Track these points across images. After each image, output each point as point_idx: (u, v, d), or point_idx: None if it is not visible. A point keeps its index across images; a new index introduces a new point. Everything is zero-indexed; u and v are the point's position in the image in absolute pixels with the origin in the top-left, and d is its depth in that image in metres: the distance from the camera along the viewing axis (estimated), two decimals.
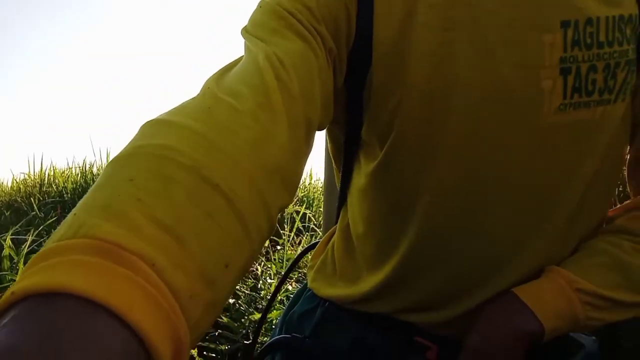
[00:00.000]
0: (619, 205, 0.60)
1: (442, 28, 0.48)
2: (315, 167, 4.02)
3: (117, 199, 0.26)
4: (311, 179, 3.96)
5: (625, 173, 0.60)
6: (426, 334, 0.57)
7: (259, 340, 1.61)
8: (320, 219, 3.27)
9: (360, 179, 0.59)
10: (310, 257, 0.72)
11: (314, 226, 3.03)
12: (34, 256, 0.24)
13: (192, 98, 0.38)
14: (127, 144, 0.32)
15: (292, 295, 2.03)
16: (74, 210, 0.27)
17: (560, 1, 0.48)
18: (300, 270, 2.32)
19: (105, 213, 0.25)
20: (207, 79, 0.41)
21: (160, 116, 0.34)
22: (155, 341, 0.22)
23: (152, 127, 0.33)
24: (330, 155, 0.65)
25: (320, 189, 3.79)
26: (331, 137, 0.63)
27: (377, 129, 0.53)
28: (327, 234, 0.72)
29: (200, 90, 0.39)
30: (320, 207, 3.44)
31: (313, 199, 3.44)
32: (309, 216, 3.12)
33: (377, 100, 0.51)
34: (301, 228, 2.96)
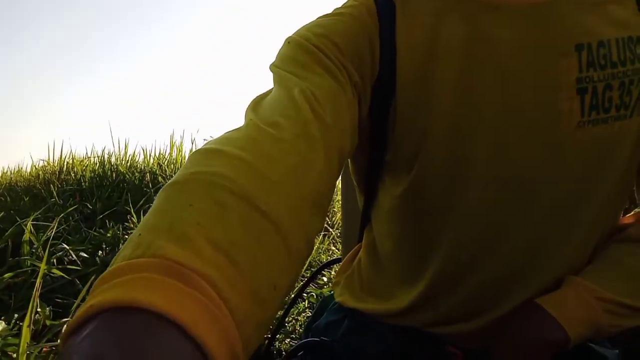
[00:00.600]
0: (631, 213, 0.62)
1: (462, 58, 0.50)
2: None
3: (179, 222, 0.29)
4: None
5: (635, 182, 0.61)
6: (454, 344, 0.59)
7: (267, 338, 1.60)
8: (333, 218, 3.27)
9: (386, 199, 0.60)
10: (335, 272, 0.74)
11: (327, 226, 3.04)
12: (104, 274, 0.26)
13: (237, 129, 0.40)
14: (180, 170, 0.35)
15: (304, 295, 2.01)
16: (137, 231, 0.29)
17: (573, 27, 0.50)
18: (314, 270, 2.32)
19: (169, 235, 0.28)
20: (246, 110, 0.44)
21: (210, 145, 0.37)
22: (218, 355, 0.24)
23: (203, 155, 0.36)
24: (352, 176, 0.66)
25: (335, 188, 3.78)
26: (353, 162, 0.64)
27: (403, 156, 0.55)
28: (351, 252, 0.74)
29: (244, 121, 0.42)
30: (332, 207, 3.44)
31: None
32: None
33: (402, 129, 0.53)
34: None
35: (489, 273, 0.55)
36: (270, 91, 0.46)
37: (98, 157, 3.64)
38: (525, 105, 0.50)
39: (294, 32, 0.52)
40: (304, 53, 0.48)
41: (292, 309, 1.73)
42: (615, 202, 0.56)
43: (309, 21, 0.53)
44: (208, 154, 0.36)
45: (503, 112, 0.50)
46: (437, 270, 0.57)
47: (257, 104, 0.44)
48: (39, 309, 1.39)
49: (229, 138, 0.38)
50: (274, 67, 0.49)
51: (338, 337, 0.64)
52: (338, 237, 3.01)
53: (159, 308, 0.23)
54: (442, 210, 0.55)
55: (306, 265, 2.29)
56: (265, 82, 0.51)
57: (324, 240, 2.79)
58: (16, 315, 1.44)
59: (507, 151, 0.51)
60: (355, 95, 0.50)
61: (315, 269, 2.41)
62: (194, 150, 3.45)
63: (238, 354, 0.26)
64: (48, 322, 1.41)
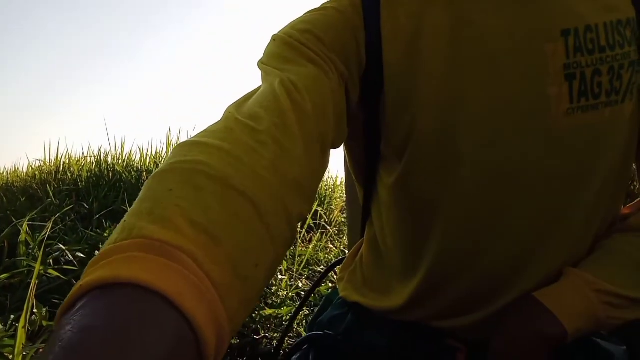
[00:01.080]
0: (632, 203, 0.61)
1: (448, 45, 0.51)
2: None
3: (159, 206, 0.31)
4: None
5: (636, 169, 0.60)
6: (455, 337, 0.58)
7: (266, 336, 1.60)
8: (331, 216, 3.27)
9: (383, 192, 0.60)
10: (339, 270, 0.74)
11: (324, 223, 3.04)
12: (94, 257, 0.28)
13: (216, 122, 0.42)
14: (163, 162, 0.37)
15: (302, 293, 2.03)
16: (124, 219, 0.31)
17: (558, 12, 0.50)
18: (311, 268, 2.32)
19: (151, 218, 0.30)
20: (227, 106, 0.45)
21: (191, 139, 0.39)
22: (202, 323, 0.26)
23: (184, 148, 0.37)
24: (351, 171, 0.67)
25: (332, 186, 3.79)
26: (350, 154, 0.65)
27: (394, 144, 0.55)
28: (354, 247, 0.74)
29: (222, 116, 0.43)
30: (331, 205, 3.44)
31: (325, 197, 3.44)
32: (320, 213, 3.12)
33: (392, 117, 0.54)
34: (312, 225, 2.97)
35: (485, 265, 0.55)
36: (258, 88, 0.47)
37: (94, 156, 3.63)
38: (513, 91, 0.50)
39: (280, 29, 0.53)
40: (288, 49, 0.50)
41: (290, 308, 1.73)
42: (613, 190, 0.55)
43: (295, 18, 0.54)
44: (188, 145, 0.37)
45: (490, 99, 0.50)
46: (432, 264, 0.56)
47: (244, 101, 0.45)
48: (35, 310, 1.39)
49: (209, 131, 0.39)
50: (260, 64, 0.51)
51: (341, 331, 0.64)
52: (336, 234, 3.00)
53: (143, 281, 0.25)
54: (434, 200, 0.55)
55: (303, 263, 2.29)
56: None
57: (322, 238, 2.79)
58: (12, 316, 1.43)
59: (496, 138, 0.51)
60: (342, 84, 0.51)
61: (313, 266, 2.41)
62: None
63: (223, 326, 0.28)
64: (44, 323, 1.40)
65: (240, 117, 0.40)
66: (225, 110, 0.43)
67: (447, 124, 0.51)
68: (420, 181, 0.55)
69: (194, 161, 0.35)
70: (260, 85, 0.47)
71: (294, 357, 0.64)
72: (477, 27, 0.50)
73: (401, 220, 0.59)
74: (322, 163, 0.46)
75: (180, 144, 0.39)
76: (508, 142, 0.51)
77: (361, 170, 0.63)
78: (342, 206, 3.44)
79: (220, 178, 0.33)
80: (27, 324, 1.14)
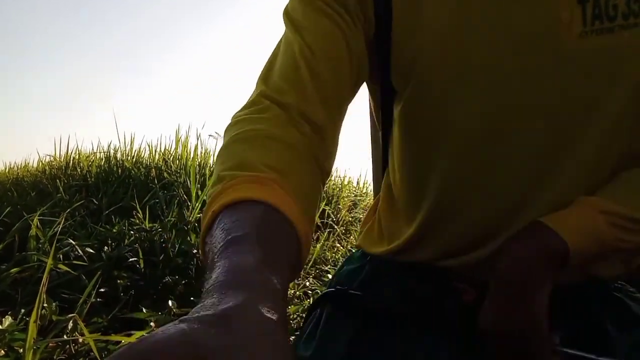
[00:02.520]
0: None
1: None
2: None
3: (241, 160, 0.43)
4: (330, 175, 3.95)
5: None
6: (464, 279, 0.58)
7: None
8: (338, 215, 3.27)
9: (395, 131, 0.62)
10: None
11: (332, 223, 3.03)
12: (210, 199, 0.40)
13: (251, 100, 0.52)
14: (225, 136, 0.49)
15: (309, 292, 2.02)
16: (214, 175, 0.43)
17: None
18: (318, 267, 2.32)
19: (238, 167, 0.42)
20: (258, 77, 0.55)
21: (235, 119, 0.50)
22: (300, 226, 0.38)
23: (234, 126, 0.49)
24: (375, 119, 0.70)
25: (340, 185, 3.79)
26: (373, 98, 0.68)
27: (401, 71, 0.56)
28: (374, 203, 0.76)
29: (254, 91, 0.53)
30: (339, 204, 3.44)
31: (332, 196, 3.44)
32: (327, 212, 3.12)
33: (398, 43, 0.55)
34: (320, 224, 2.96)
35: (490, 198, 0.54)
36: (279, 46, 0.56)
37: (104, 152, 3.65)
38: (523, 15, 0.49)
39: None
40: (305, 4, 0.55)
41: (297, 307, 1.73)
42: (632, 123, 0.52)
43: None
44: (239, 122, 0.49)
45: (498, 23, 0.50)
46: (436, 197, 0.57)
47: (266, 69, 0.54)
48: (45, 304, 1.40)
49: (246, 109, 0.51)
50: (285, 17, 0.57)
51: (357, 283, 0.65)
52: (343, 234, 3.00)
53: (257, 198, 0.37)
54: (438, 128, 0.55)
55: (311, 262, 2.29)
56: None
57: (329, 237, 2.79)
58: (23, 311, 1.44)
59: (503, 60, 0.50)
60: (359, 25, 0.55)
61: (320, 265, 2.40)
62: (199, 146, 3.42)
63: (307, 231, 0.39)
64: (54, 318, 1.41)
65: (269, 90, 0.51)
66: (256, 83, 0.54)
67: (453, 45, 0.51)
68: (425, 107, 0.55)
69: (250, 129, 0.47)
70: (281, 45, 0.56)
71: (311, 316, 0.65)
72: None
73: (407, 154, 0.61)
74: (340, 121, 0.55)
75: (229, 124, 0.50)
76: (516, 65, 0.50)
77: (379, 112, 0.65)
78: (350, 205, 3.43)
79: (273, 137, 0.46)
80: (38, 319, 1.15)
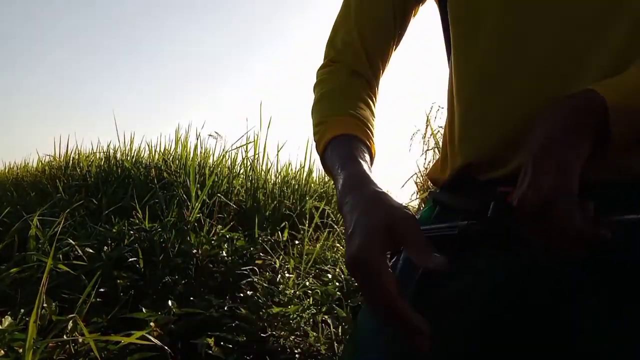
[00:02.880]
0: None
1: None
2: None
3: (332, 110, 0.72)
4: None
5: None
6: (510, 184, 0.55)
7: (273, 334, 1.60)
8: (338, 215, 3.26)
9: (450, 29, 0.68)
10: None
11: (331, 222, 3.03)
12: (315, 133, 0.71)
13: (325, 65, 0.79)
14: (314, 91, 0.78)
15: (309, 292, 2.01)
16: (316, 119, 0.72)
17: None
18: (318, 267, 2.32)
19: (332, 114, 0.70)
20: (327, 41, 0.80)
21: (318, 76, 0.79)
22: (372, 144, 0.68)
23: (319, 84, 0.77)
24: (445, 45, 0.76)
25: None
26: (442, 20, 0.74)
27: None
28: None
29: (325, 52, 0.80)
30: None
31: (332, 195, 3.44)
32: (327, 212, 3.11)
33: None
34: (320, 224, 2.96)
35: (537, 68, 0.56)
36: (342, 10, 0.78)
37: (103, 152, 3.65)
38: None
39: None
40: None
41: (298, 306, 1.73)
42: None
43: None
44: (320, 84, 0.77)
45: None
46: (471, 92, 0.64)
47: (333, 37, 0.79)
48: (44, 305, 1.40)
49: (324, 72, 0.78)
50: None
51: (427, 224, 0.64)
52: (343, 234, 3.00)
53: (344, 132, 0.66)
54: (479, 16, 0.61)
55: (311, 262, 2.29)
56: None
57: (329, 237, 2.79)
58: (22, 311, 1.44)
59: None
60: None
61: (320, 265, 2.39)
62: (199, 145, 3.42)
63: (374, 146, 0.68)
64: (54, 318, 1.41)
65: (334, 54, 0.77)
66: (326, 46, 0.79)
67: None
68: None
69: (329, 90, 0.74)
70: (338, 22, 0.79)
71: (391, 262, 0.66)
72: None
73: (455, 51, 0.66)
74: (384, 69, 0.78)
75: (315, 83, 0.78)
76: None
77: (445, 34, 0.72)
78: None
79: (344, 92, 0.73)
80: (38, 319, 1.15)
